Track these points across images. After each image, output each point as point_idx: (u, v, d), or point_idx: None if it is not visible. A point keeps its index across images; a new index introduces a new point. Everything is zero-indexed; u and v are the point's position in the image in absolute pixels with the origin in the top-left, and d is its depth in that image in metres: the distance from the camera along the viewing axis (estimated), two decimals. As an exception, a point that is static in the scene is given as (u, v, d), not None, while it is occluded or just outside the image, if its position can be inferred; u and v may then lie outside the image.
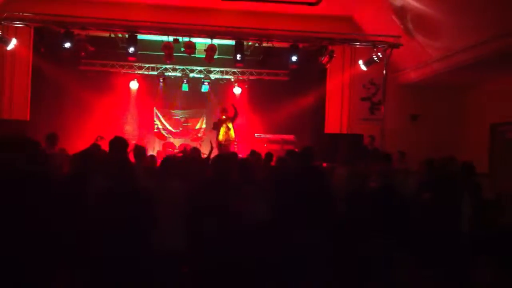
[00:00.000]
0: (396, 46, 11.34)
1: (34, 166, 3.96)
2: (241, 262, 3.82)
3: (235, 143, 13.89)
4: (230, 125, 12.54)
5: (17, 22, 10.78)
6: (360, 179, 5.17)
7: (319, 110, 13.27)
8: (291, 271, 3.71)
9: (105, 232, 3.66)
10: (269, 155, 9.06)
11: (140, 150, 6.50)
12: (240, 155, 8.71)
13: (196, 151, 9.60)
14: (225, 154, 8.18)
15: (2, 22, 10.54)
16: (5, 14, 10.64)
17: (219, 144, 12.38)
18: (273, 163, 8.46)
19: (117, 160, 4.27)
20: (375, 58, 11.45)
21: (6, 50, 11.07)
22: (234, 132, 12.86)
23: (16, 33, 11.16)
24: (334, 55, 11.76)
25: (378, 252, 3.73)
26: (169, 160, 5.10)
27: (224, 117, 12.57)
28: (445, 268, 3.71)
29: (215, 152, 11.38)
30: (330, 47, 11.68)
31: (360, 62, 12.03)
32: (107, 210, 3.74)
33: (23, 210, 3.38)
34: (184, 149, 12.61)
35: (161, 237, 4.08)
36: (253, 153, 8.85)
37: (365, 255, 3.75)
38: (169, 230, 4.18)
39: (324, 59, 11.82)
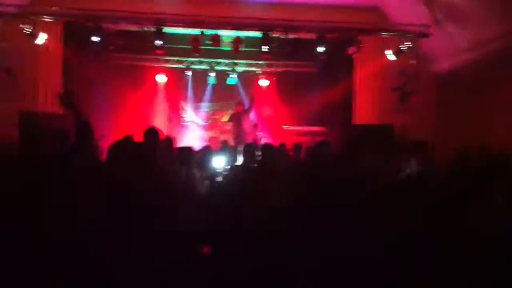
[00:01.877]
0: (425, 35, 11.17)
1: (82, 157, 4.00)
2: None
3: (264, 135, 13.92)
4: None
5: (46, 17, 10.92)
6: (389, 168, 5.11)
7: (348, 101, 13.16)
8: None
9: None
10: (297, 146, 9.01)
11: (169, 141, 6.57)
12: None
13: (225, 143, 9.67)
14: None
15: (31, 17, 10.68)
16: (34, 9, 10.80)
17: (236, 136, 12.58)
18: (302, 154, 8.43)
19: (150, 146, 4.31)
20: (404, 48, 11.30)
21: (37, 45, 11.21)
22: (259, 124, 13.05)
23: (46, 27, 11.30)
24: (362, 46, 11.64)
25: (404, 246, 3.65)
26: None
27: (240, 110, 12.71)
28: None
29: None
30: (357, 38, 11.57)
31: (389, 52, 11.86)
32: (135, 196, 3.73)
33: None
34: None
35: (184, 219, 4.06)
36: (282, 145, 8.81)
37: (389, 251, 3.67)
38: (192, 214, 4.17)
39: (352, 50, 11.72)
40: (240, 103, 13.07)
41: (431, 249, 3.63)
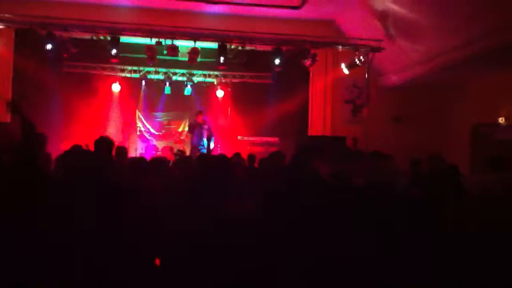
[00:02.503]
0: (377, 50, 11.44)
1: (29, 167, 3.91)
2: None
3: (218, 145, 13.96)
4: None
5: (-2, 23, 10.69)
6: (344, 176, 5.20)
7: (302, 113, 13.32)
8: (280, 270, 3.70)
9: (89, 234, 3.59)
10: (251, 157, 9.06)
11: (121, 151, 6.51)
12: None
13: (181, 152, 9.63)
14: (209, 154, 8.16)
15: (-18, 24, 10.43)
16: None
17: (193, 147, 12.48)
18: (256, 165, 8.48)
19: (101, 157, 4.24)
20: (357, 62, 11.54)
21: (-13, 51, 10.96)
22: (215, 135, 13.05)
23: (-3, 34, 11.07)
24: (317, 58, 11.81)
25: (362, 253, 3.73)
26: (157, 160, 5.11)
27: (200, 120, 12.59)
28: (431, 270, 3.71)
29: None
30: (312, 50, 11.74)
31: (343, 65, 12.10)
32: (91, 207, 3.68)
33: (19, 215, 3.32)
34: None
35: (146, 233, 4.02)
36: (237, 155, 8.82)
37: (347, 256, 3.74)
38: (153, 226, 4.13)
39: (307, 62, 11.86)
40: (201, 113, 12.92)
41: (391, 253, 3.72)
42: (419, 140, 12.15)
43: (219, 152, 13.07)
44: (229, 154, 7.78)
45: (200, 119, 12.63)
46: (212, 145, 12.63)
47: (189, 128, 13.20)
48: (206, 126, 12.59)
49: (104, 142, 5.13)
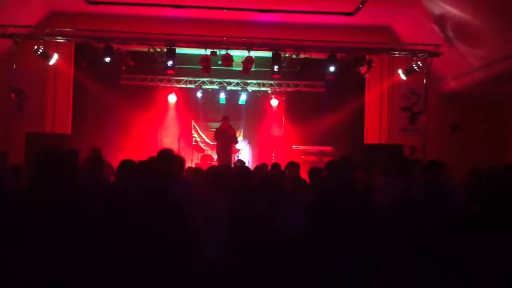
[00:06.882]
0: (436, 54, 11.10)
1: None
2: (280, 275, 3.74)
3: (273, 155, 13.92)
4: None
5: (59, 38, 11.04)
6: (401, 189, 5.03)
7: (357, 121, 13.12)
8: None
9: (140, 244, 3.54)
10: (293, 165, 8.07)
11: (179, 161, 6.49)
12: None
13: (240, 162, 9.62)
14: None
15: (44, 38, 10.79)
16: (47, 30, 10.93)
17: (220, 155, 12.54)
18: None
19: (156, 169, 4.23)
20: (415, 67, 11.22)
21: (48, 65, 11.32)
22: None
23: (58, 48, 11.43)
24: (373, 65, 11.59)
25: (423, 272, 3.57)
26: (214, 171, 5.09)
27: (226, 126, 12.45)
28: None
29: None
30: (368, 57, 11.53)
31: (400, 71, 11.81)
32: (144, 219, 3.63)
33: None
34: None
35: (201, 251, 3.94)
36: (291, 164, 8.42)
37: (407, 275, 3.59)
38: (208, 244, 4.07)
39: (363, 69, 11.64)
40: (226, 118, 12.63)
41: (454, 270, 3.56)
42: (478, 148, 11.72)
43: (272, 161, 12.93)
44: (283, 164, 7.61)
45: (226, 124, 12.51)
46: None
47: (214, 135, 12.86)
48: (231, 133, 12.49)
49: (165, 156, 5.06)
